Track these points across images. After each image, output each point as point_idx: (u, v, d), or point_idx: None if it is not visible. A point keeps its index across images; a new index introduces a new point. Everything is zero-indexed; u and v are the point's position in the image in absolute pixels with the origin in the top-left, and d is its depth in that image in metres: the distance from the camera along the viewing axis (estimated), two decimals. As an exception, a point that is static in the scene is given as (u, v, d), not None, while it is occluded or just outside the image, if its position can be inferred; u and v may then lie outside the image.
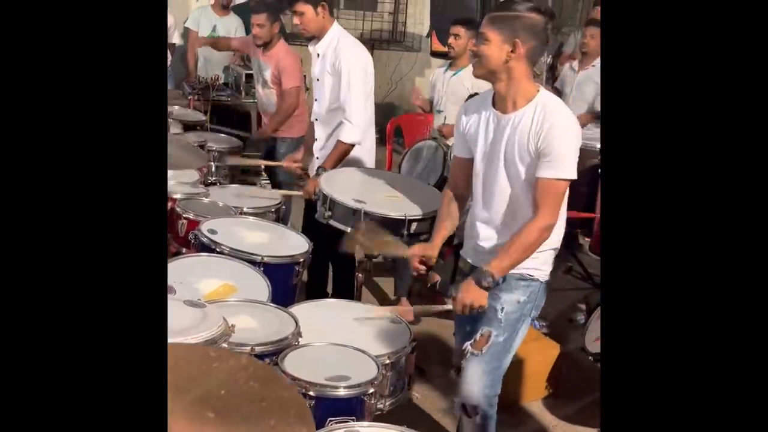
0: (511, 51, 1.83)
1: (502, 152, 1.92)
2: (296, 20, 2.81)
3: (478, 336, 2.02)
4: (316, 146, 3.03)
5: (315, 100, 2.98)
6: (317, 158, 3.03)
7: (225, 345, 1.66)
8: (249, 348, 1.79)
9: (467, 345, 2.03)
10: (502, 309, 1.99)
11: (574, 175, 1.86)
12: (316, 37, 2.87)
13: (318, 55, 2.90)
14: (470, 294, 1.91)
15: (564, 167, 1.83)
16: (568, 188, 1.89)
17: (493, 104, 1.95)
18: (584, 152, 3.95)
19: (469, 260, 2.11)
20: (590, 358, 2.77)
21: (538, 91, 1.89)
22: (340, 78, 2.81)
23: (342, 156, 2.88)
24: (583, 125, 4.31)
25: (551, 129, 1.81)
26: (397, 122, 5.20)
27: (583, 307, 3.62)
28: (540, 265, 2.00)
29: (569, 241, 4.37)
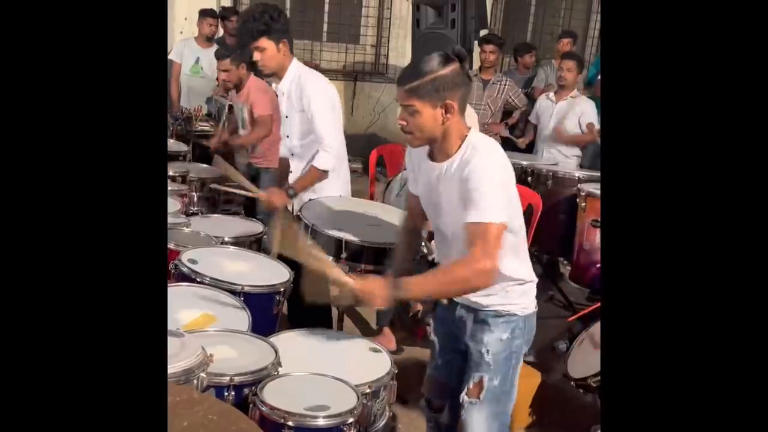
0: (446, 113, 1.76)
1: (439, 202, 1.88)
2: (257, 56, 2.80)
3: (471, 384, 1.96)
4: (291, 178, 3.05)
5: (286, 136, 3.02)
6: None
7: (203, 374, 1.65)
8: (228, 378, 1.78)
9: (463, 395, 1.97)
10: (488, 351, 1.94)
11: (500, 218, 1.70)
12: (275, 75, 2.89)
13: (283, 93, 2.93)
14: (377, 289, 1.75)
15: (487, 210, 1.69)
16: (499, 232, 1.72)
17: (430, 154, 1.89)
18: (563, 180, 4.06)
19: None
20: (572, 383, 2.77)
21: (466, 134, 1.82)
22: (307, 113, 2.85)
23: (313, 181, 2.91)
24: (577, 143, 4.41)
25: (471, 172, 1.73)
26: (379, 152, 5.24)
27: (566, 334, 3.63)
28: (515, 299, 1.94)
29: (551, 270, 4.41)
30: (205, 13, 5.37)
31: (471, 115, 3.88)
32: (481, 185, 1.72)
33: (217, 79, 4.11)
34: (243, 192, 3.17)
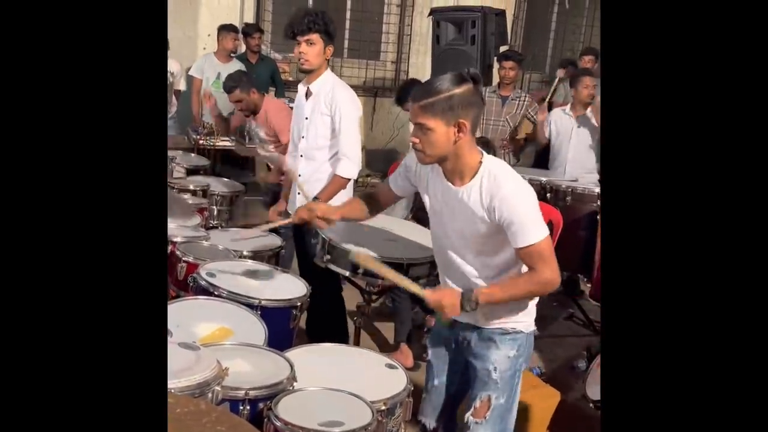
0: (459, 131, 1.78)
1: (455, 223, 1.91)
2: (303, 49, 2.85)
3: (477, 403, 1.98)
4: (300, 181, 3.08)
5: (302, 137, 3.04)
6: (299, 194, 3.07)
7: (218, 388, 1.65)
8: (243, 392, 1.77)
9: (468, 416, 1.99)
10: (495, 369, 1.97)
11: (545, 233, 1.82)
12: (309, 74, 2.94)
13: (310, 93, 2.96)
14: (449, 299, 1.87)
15: (532, 231, 1.80)
16: (548, 243, 1.83)
17: (444, 174, 1.91)
18: (583, 196, 4.03)
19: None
20: (591, 405, 2.73)
21: (481, 161, 1.85)
22: (333, 118, 2.90)
23: (338, 189, 2.95)
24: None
25: (503, 202, 1.78)
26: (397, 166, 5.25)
27: (585, 353, 3.58)
28: (522, 317, 1.98)
29: (571, 288, 4.36)
30: (226, 28, 5.44)
31: None
32: (519, 212, 1.79)
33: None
34: (278, 224, 3.20)
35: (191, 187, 3.75)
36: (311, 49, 2.85)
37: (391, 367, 2.16)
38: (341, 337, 2.96)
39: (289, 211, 3.18)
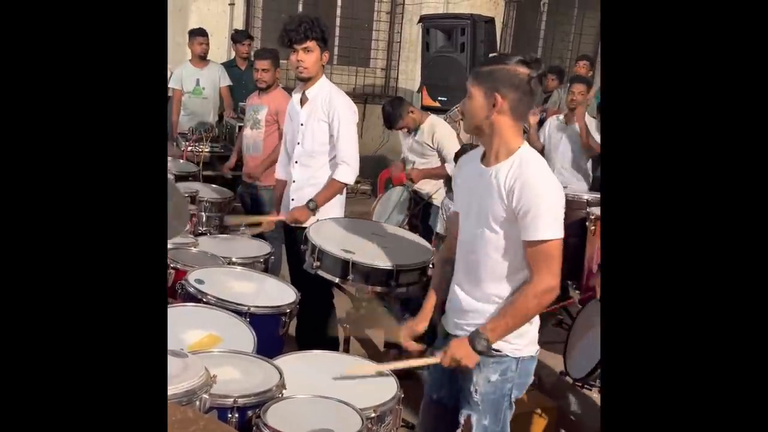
0: (493, 105, 1.78)
1: (478, 208, 1.85)
2: (301, 57, 2.85)
3: (462, 420, 1.93)
4: (294, 187, 3.08)
5: (297, 143, 3.03)
6: (293, 200, 3.06)
7: (206, 396, 1.63)
8: (232, 400, 1.76)
9: None
10: (476, 390, 1.89)
11: (560, 233, 1.74)
12: (305, 82, 2.95)
13: (305, 100, 2.96)
14: (461, 351, 1.83)
15: (547, 227, 1.72)
16: (559, 248, 1.76)
17: (482, 158, 1.90)
18: (572, 203, 4.05)
19: (446, 327, 2.02)
20: (569, 379, 2.74)
21: (521, 146, 1.81)
22: (331, 124, 2.90)
23: (334, 194, 2.96)
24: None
25: (524, 188, 1.72)
26: (388, 173, 5.25)
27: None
28: (513, 338, 1.85)
29: (560, 294, 4.36)
30: (194, 33, 5.40)
31: (449, 134, 3.97)
32: (539, 202, 1.71)
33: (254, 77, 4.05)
34: (266, 219, 3.19)
35: (180, 193, 3.73)
36: (309, 56, 2.85)
37: (381, 374, 2.15)
38: (331, 345, 2.94)
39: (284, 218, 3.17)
